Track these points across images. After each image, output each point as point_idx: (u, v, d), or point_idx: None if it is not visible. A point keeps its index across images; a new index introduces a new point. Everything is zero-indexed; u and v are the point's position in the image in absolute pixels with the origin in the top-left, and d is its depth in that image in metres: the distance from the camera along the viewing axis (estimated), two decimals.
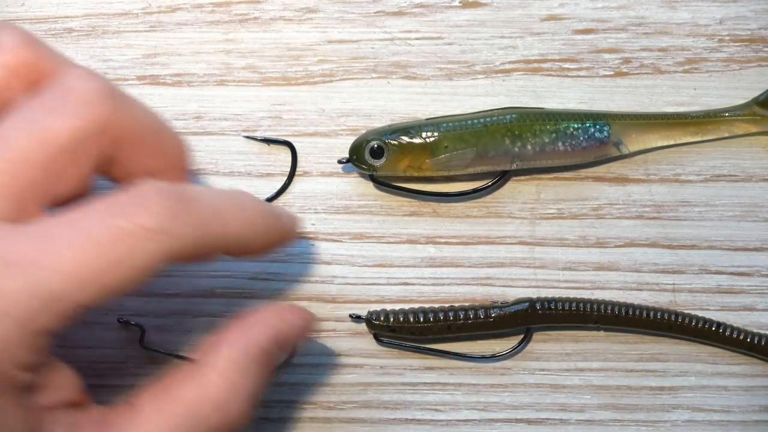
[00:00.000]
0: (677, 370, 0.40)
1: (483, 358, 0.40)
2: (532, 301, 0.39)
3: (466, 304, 0.39)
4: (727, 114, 0.40)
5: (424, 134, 0.39)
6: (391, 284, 0.40)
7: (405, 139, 0.39)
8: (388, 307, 0.39)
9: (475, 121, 0.39)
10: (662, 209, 0.40)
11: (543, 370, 0.40)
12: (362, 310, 0.39)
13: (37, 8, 0.41)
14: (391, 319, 0.39)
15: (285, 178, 0.40)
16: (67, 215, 0.30)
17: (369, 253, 0.40)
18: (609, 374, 0.40)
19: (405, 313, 0.39)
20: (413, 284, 0.40)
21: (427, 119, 0.40)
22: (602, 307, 0.39)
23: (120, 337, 0.40)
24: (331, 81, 0.41)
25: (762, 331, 0.39)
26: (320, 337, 0.40)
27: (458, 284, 0.40)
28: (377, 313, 0.39)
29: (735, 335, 0.39)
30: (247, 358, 0.33)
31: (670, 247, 0.40)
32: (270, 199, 0.40)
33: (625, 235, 0.40)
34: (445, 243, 0.40)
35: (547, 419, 0.40)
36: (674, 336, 0.39)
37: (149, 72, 0.41)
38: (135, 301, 0.40)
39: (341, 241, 0.40)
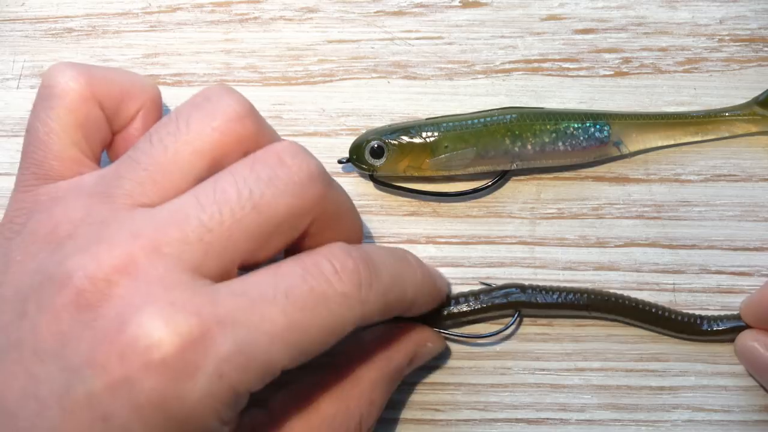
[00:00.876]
0: (677, 370, 0.40)
1: (471, 336, 0.39)
2: (522, 287, 0.38)
3: (458, 293, 0.39)
4: (727, 114, 0.40)
5: (424, 134, 0.39)
6: None
7: (405, 138, 0.39)
8: None
9: (475, 120, 0.39)
10: (662, 209, 0.40)
11: (543, 370, 0.40)
12: None
13: (37, 8, 0.41)
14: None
15: None
16: (266, 273, 0.30)
17: None
18: (609, 374, 0.40)
19: None
20: None
21: (427, 119, 0.40)
22: (592, 294, 0.38)
23: None
24: (331, 81, 0.41)
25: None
26: None
27: (458, 284, 0.40)
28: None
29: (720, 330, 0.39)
30: (386, 379, 0.35)
31: (670, 246, 0.40)
32: None
33: (625, 235, 0.40)
34: (445, 243, 0.40)
35: (547, 419, 0.40)
36: (663, 332, 0.39)
37: (149, 72, 0.41)
38: None
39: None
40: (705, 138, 0.40)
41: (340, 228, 0.33)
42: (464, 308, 0.38)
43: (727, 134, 0.40)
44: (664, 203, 0.40)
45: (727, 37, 0.40)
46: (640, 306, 0.39)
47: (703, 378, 0.40)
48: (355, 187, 0.40)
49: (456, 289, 0.40)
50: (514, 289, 0.39)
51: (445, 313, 0.38)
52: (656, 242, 0.40)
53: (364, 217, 0.40)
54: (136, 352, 0.28)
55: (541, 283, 0.40)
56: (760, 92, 0.40)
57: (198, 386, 0.28)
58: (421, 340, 0.37)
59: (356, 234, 0.35)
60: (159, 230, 0.29)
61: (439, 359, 0.40)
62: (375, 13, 0.41)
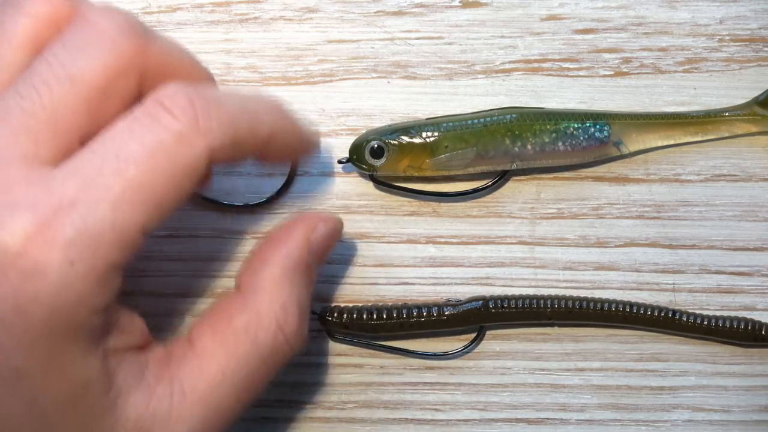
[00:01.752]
0: (677, 370, 0.40)
1: (434, 356, 0.40)
2: (485, 300, 0.39)
3: (420, 302, 0.39)
4: (727, 114, 0.40)
5: (424, 134, 0.39)
6: (391, 284, 0.40)
7: (405, 139, 0.39)
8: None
9: (475, 120, 0.39)
10: (662, 209, 0.40)
11: (543, 370, 0.40)
12: None
13: None
14: (345, 316, 0.39)
15: (285, 178, 0.40)
16: (95, 143, 0.29)
17: (369, 253, 0.40)
18: (609, 374, 0.40)
19: (358, 309, 0.39)
20: (413, 284, 0.40)
21: (427, 119, 0.40)
22: (554, 302, 0.39)
23: None
24: (331, 81, 0.41)
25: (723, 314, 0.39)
26: (320, 337, 0.40)
27: (458, 284, 0.40)
28: (330, 309, 0.39)
29: (691, 321, 0.39)
30: (289, 274, 0.33)
31: (670, 246, 0.40)
32: (270, 200, 0.40)
33: (625, 235, 0.40)
34: (445, 243, 0.40)
35: (547, 419, 0.40)
36: (634, 327, 0.39)
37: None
38: (135, 301, 0.40)
39: (341, 241, 0.40)
40: (705, 138, 0.40)
41: (179, 81, 0.31)
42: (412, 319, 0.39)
43: (727, 134, 0.40)
44: (664, 203, 0.40)
45: (727, 37, 0.40)
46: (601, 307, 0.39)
47: (703, 378, 0.40)
48: (355, 186, 0.40)
49: (456, 289, 0.40)
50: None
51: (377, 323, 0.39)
52: (656, 242, 0.40)
53: (364, 217, 0.40)
54: None
55: (541, 283, 0.40)
56: (760, 92, 0.40)
57: (50, 280, 0.27)
58: (310, 224, 0.35)
59: (204, 83, 0.33)
60: None
61: (439, 359, 0.40)
62: (375, 13, 0.41)
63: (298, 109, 0.40)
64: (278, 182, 0.40)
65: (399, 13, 0.41)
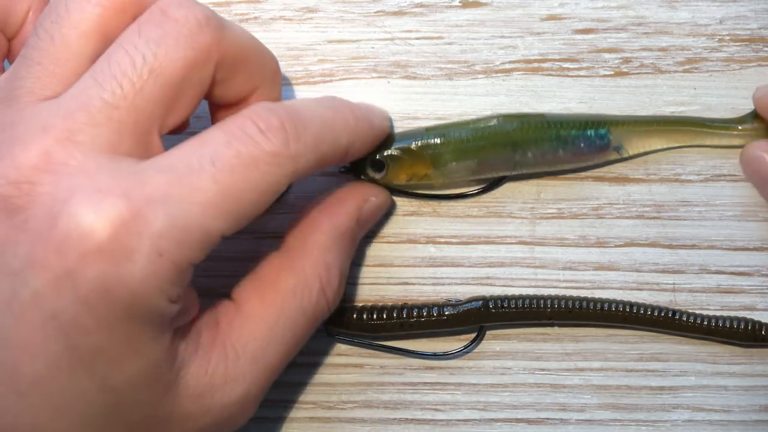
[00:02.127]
0: (677, 369, 0.40)
1: (435, 356, 0.40)
2: (485, 300, 0.39)
3: (420, 302, 0.39)
4: (731, 125, 0.39)
5: (425, 147, 0.38)
6: (391, 284, 0.40)
7: (406, 153, 0.38)
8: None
9: (477, 132, 0.38)
10: (662, 209, 0.40)
11: (543, 370, 0.40)
12: None
13: None
14: (344, 316, 0.39)
15: None
16: (191, 144, 0.30)
17: (369, 253, 0.40)
18: (609, 374, 0.40)
19: (358, 310, 0.39)
20: (413, 284, 0.40)
21: (427, 129, 0.39)
22: (554, 302, 0.39)
23: None
24: (331, 81, 0.41)
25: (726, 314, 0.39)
26: (320, 337, 0.40)
27: (458, 284, 0.40)
28: None
29: (691, 321, 0.39)
30: (336, 240, 0.35)
31: (670, 246, 0.40)
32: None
33: (625, 235, 0.40)
34: (445, 243, 0.40)
35: (547, 419, 0.40)
36: (634, 327, 0.39)
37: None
38: None
39: None
40: (704, 143, 0.40)
41: (250, 70, 0.33)
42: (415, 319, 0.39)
43: (726, 144, 0.40)
44: (664, 203, 0.40)
45: (727, 37, 0.40)
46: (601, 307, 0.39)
47: (703, 378, 0.40)
48: None
49: (456, 289, 0.40)
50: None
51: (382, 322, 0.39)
52: (656, 242, 0.40)
53: None
54: (70, 244, 0.28)
55: (541, 283, 0.40)
56: None
57: (138, 267, 0.28)
58: (362, 196, 0.37)
59: (271, 71, 0.35)
60: (67, 118, 0.30)
61: (439, 359, 0.40)
62: (375, 13, 0.41)
63: None
64: None
65: (399, 13, 0.41)
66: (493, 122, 0.39)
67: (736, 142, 0.40)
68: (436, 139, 0.38)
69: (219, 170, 0.29)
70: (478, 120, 0.39)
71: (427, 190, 0.40)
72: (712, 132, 0.40)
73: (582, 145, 0.39)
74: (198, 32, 0.31)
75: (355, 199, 0.37)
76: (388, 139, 0.38)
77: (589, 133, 0.39)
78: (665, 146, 0.40)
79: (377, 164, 0.38)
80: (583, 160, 0.39)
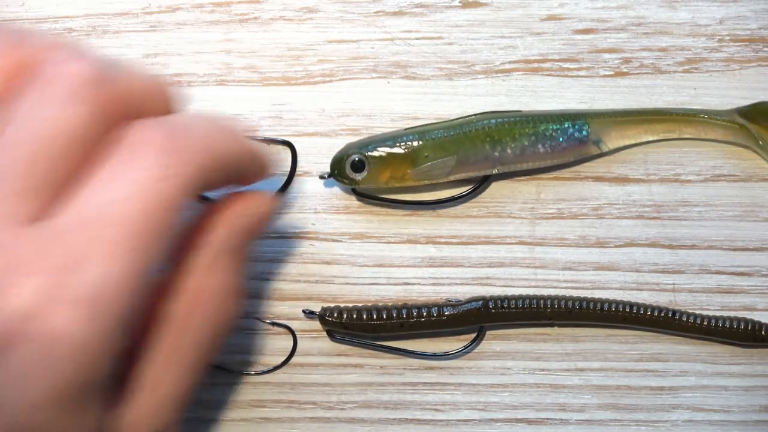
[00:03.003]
0: (677, 370, 0.40)
1: (435, 356, 0.40)
2: (485, 300, 0.39)
3: (420, 302, 0.39)
4: (705, 116, 0.40)
5: (403, 145, 0.39)
6: (391, 284, 0.40)
7: (385, 150, 0.39)
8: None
9: (454, 128, 0.39)
10: (662, 209, 0.40)
11: (543, 370, 0.40)
12: None
13: (37, 8, 0.41)
14: (344, 316, 0.39)
15: (284, 177, 0.40)
16: (82, 196, 0.29)
17: (369, 253, 0.40)
18: (609, 374, 0.40)
19: (358, 310, 0.39)
20: (413, 284, 0.40)
21: (406, 129, 0.39)
22: (554, 303, 0.39)
23: None
24: (331, 81, 0.41)
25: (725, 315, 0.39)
26: (320, 337, 0.40)
27: (458, 284, 0.40)
28: (330, 310, 0.39)
29: (691, 321, 0.39)
30: (221, 257, 0.33)
31: (670, 247, 0.40)
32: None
33: (625, 235, 0.40)
34: (445, 243, 0.40)
35: (547, 419, 0.40)
36: (634, 327, 0.39)
37: (149, 72, 0.41)
38: None
39: (341, 241, 0.40)
40: (682, 136, 0.40)
41: (146, 109, 0.32)
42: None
43: (703, 136, 0.40)
44: (664, 203, 0.40)
45: (727, 37, 0.40)
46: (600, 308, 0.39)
47: (703, 378, 0.40)
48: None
49: (456, 289, 0.40)
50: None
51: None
52: (656, 242, 0.40)
53: (364, 217, 0.40)
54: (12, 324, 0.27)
55: (541, 283, 0.40)
56: (760, 93, 0.40)
57: (69, 342, 0.27)
58: (245, 207, 0.35)
59: (165, 105, 0.33)
60: None
61: (439, 359, 0.40)
62: (375, 13, 0.41)
63: (298, 109, 0.40)
64: (277, 182, 0.40)
65: (399, 13, 0.41)
66: (471, 119, 0.39)
67: (717, 135, 0.40)
68: (414, 137, 0.39)
69: (118, 211, 0.28)
70: (457, 119, 0.39)
71: (414, 193, 0.40)
72: (688, 121, 0.39)
73: (560, 139, 0.39)
74: (89, 89, 0.30)
75: (238, 212, 0.35)
76: (366, 141, 0.39)
77: (566, 126, 0.39)
78: (644, 139, 0.40)
79: (357, 165, 0.39)
80: (564, 156, 0.39)
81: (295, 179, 0.40)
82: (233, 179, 0.34)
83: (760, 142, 0.39)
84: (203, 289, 0.33)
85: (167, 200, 0.30)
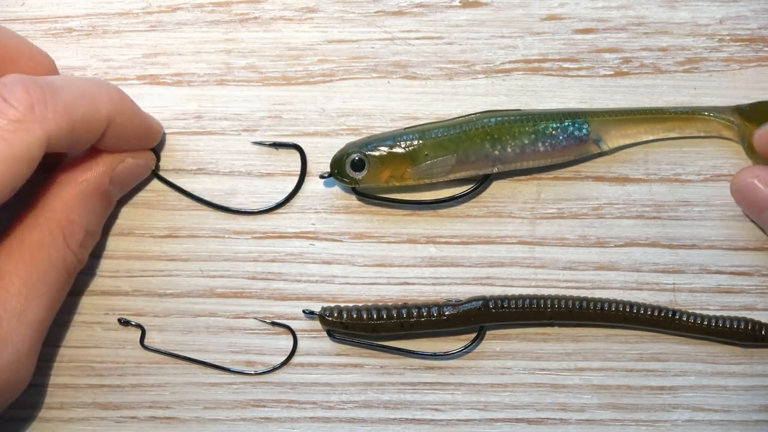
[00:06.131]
0: (677, 369, 0.40)
1: (435, 356, 0.40)
2: (485, 300, 0.39)
3: (420, 302, 0.39)
4: (705, 113, 0.40)
5: (403, 144, 0.39)
6: (391, 284, 0.40)
7: (385, 149, 0.39)
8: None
9: (454, 127, 0.39)
10: (662, 209, 0.40)
11: (543, 370, 0.40)
12: None
13: (37, 8, 0.41)
14: (344, 316, 0.39)
15: (285, 177, 0.40)
16: None
17: (369, 253, 0.40)
18: (609, 374, 0.40)
19: (358, 309, 0.39)
20: (413, 284, 0.40)
21: (406, 128, 0.39)
22: (555, 302, 0.39)
23: (120, 337, 0.40)
24: (331, 81, 0.41)
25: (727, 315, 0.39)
26: (320, 337, 0.40)
27: (458, 284, 0.40)
28: (330, 309, 0.39)
29: (691, 321, 0.39)
30: (83, 197, 0.36)
31: (670, 246, 0.40)
32: (280, 204, 0.40)
33: (625, 235, 0.40)
34: (446, 243, 0.40)
35: (547, 419, 0.40)
36: (634, 327, 0.39)
37: (149, 71, 0.41)
38: (135, 301, 0.40)
39: (341, 241, 0.40)
40: (682, 135, 0.40)
41: (22, 67, 0.35)
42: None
43: (703, 133, 0.40)
44: (664, 203, 0.40)
45: (727, 37, 0.40)
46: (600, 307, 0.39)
47: (703, 378, 0.40)
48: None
49: (456, 288, 0.40)
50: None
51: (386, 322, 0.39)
52: (656, 242, 0.40)
53: (364, 217, 0.40)
54: None
55: (541, 283, 0.40)
56: (760, 92, 0.40)
57: None
58: (117, 156, 0.37)
59: (45, 67, 0.37)
60: None
61: (439, 359, 0.40)
62: (375, 13, 0.41)
63: (298, 109, 0.40)
64: (278, 182, 0.40)
65: (399, 13, 0.41)
66: (471, 118, 0.39)
67: (715, 130, 0.40)
68: (414, 136, 0.39)
69: None
70: (457, 117, 0.39)
71: (414, 193, 0.40)
72: (687, 119, 0.39)
73: (561, 137, 0.39)
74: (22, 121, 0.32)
75: (107, 159, 0.37)
76: (366, 140, 0.39)
77: (566, 124, 0.39)
78: (644, 138, 0.40)
79: (357, 164, 0.38)
80: (564, 154, 0.39)
81: (295, 179, 0.40)
82: (110, 141, 0.36)
83: (747, 144, 0.39)
84: (60, 222, 0.36)
85: (20, 149, 0.32)
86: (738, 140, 0.40)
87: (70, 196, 0.36)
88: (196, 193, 0.40)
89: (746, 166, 0.39)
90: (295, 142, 0.40)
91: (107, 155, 0.37)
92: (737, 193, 0.38)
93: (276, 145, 0.40)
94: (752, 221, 0.40)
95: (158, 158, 0.40)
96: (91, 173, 0.37)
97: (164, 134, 0.40)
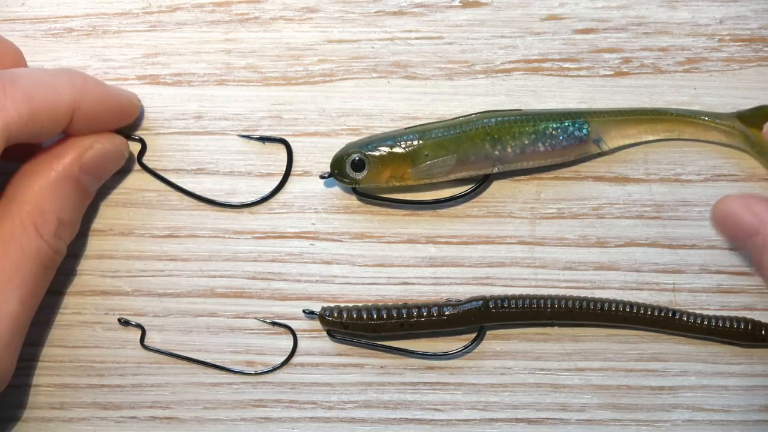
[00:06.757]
0: (677, 369, 0.40)
1: (435, 356, 0.40)
2: (485, 300, 0.39)
3: (420, 302, 0.39)
4: (705, 118, 0.39)
5: (403, 144, 0.39)
6: (391, 284, 0.40)
7: (385, 150, 0.39)
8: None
9: (454, 127, 0.39)
10: (662, 209, 0.40)
11: (543, 370, 0.40)
12: None
13: (38, 8, 0.41)
14: (345, 316, 0.39)
15: (280, 176, 0.40)
16: None
17: (369, 253, 0.40)
18: (609, 374, 0.40)
19: (358, 309, 0.39)
20: (413, 284, 0.40)
21: (406, 128, 0.39)
22: (555, 302, 0.39)
23: (120, 337, 0.40)
24: (331, 81, 0.41)
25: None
26: (320, 337, 0.40)
27: (458, 284, 0.40)
28: (330, 309, 0.39)
29: (692, 321, 0.39)
30: (54, 185, 0.36)
31: (670, 246, 0.40)
32: (266, 198, 0.40)
33: (625, 235, 0.40)
34: (446, 243, 0.40)
35: (547, 419, 0.40)
36: (634, 327, 0.39)
37: (149, 72, 0.41)
38: (135, 301, 0.40)
39: (341, 241, 0.40)
40: (682, 136, 0.40)
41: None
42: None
43: (702, 138, 0.40)
44: (664, 203, 0.40)
45: (727, 37, 0.40)
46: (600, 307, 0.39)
47: (703, 378, 0.40)
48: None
49: (456, 288, 0.40)
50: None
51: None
52: (656, 242, 0.40)
53: (364, 217, 0.40)
54: None
55: (541, 283, 0.40)
56: (760, 92, 0.40)
57: None
58: (85, 143, 0.37)
59: (13, 59, 0.37)
60: None
61: (439, 359, 0.40)
62: (375, 13, 0.41)
63: (298, 109, 0.40)
64: (278, 182, 0.40)
65: (399, 13, 0.41)
66: (471, 118, 0.39)
67: (717, 137, 0.40)
68: (414, 136, 0.39)
69: None
70: (457, 118, 0.39)
71: (414, 193, 0.40)
72: (688, 122, 0.39)
73: (561, 137, 0.39)
74: None
75: (75, 147, 0.37)
76: (366, 140, 0.39)
77: (566, 124, 0.39)
78: (644, 139, 0.40)
79: (357, 164, 0.38)
80: (564, 154, 0.39)
81: (296, 179, 0.40)
82: (79, 126, 0.36)
83: (757, 149, 0.39)
84: (32, 212, 0.36)
85: None
86: (742, 146, 0.39)
87: (40, 186, 0.36)
88: (196, 193, 0.40)
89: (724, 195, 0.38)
90: (295, 141, 0.40)
91: (74, 143, 0.37)
92: (718, 221, 0.36)
93: (263, 139, 0.40)
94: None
95: (144, 147, 0.40)
96: (60, 162, 0.36)
97: (143, 108, 0.40)
